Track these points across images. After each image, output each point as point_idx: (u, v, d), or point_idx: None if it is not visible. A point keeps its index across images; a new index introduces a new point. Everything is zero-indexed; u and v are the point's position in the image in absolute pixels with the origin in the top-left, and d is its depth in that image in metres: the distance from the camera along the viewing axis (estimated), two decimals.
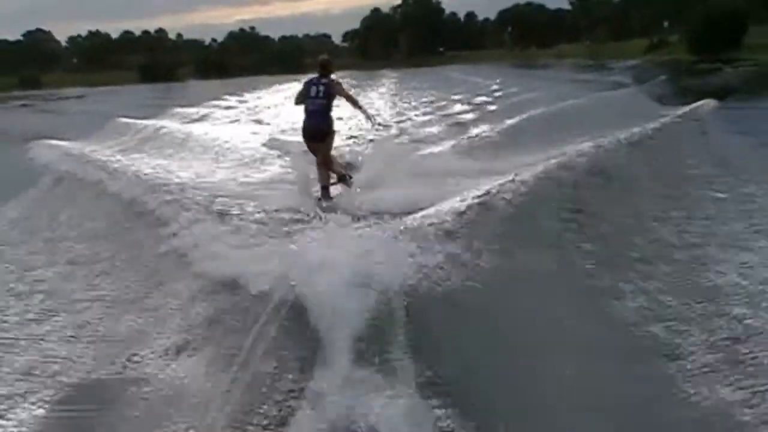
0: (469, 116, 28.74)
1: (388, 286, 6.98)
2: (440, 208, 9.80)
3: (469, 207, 9.40)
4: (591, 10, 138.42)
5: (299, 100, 13.62)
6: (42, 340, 8.69)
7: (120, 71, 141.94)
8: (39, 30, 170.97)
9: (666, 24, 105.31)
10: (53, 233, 13.40)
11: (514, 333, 6.90)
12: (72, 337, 8.67)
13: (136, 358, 7.78)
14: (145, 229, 11.88)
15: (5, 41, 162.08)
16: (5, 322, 9.28)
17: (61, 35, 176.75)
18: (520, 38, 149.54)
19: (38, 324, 9.16)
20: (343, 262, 7.30)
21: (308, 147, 13.76)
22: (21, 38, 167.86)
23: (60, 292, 10.23)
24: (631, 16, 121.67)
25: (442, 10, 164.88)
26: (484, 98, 35.72)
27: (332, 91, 13.38)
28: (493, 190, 10.25)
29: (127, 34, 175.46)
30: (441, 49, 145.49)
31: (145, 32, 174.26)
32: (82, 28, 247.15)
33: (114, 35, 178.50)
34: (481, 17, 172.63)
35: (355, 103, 13.99)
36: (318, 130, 13.50)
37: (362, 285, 6.94)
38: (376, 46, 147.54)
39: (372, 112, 19.27)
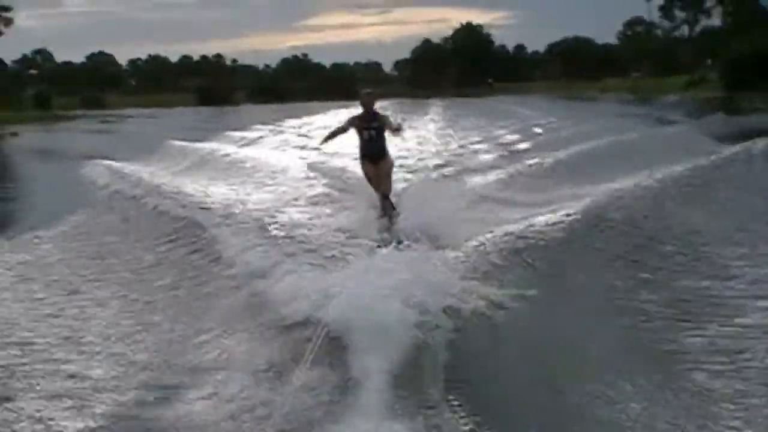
0: (521, 146, 28.21)
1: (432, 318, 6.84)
2: (487, 238, 9.82)
3: (516, 239, 9.53)
4: (638, 46, 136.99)
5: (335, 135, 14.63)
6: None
7: (178, 94, 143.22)
8: (101, 53, 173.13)
9: (709, 61, 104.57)
10: (100, 250, 13.37)
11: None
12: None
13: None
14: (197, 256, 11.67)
15: (70, 63, 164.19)
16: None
17: (123, 58, 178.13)
18: (568, 71, 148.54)
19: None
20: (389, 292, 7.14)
21: (368, 168, 14.52)
22: (85, 60, 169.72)
23: (109, 309, 10.07)
24: (677, 53, 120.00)
25: (492, 42, 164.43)
26: (534, 130, 35.07)
27: (383, 129, 14.25)
28: (545, 223, 10.00)
29: (185, 59, 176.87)
30: (489, 80, 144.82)
31: (204, 57, 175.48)
32: (141, 51, 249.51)
33: (172, 58, 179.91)
34: (530, 50, 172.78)
35: (396, 129, 14.55)
36: (378, 152, 14.38)
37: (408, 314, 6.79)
38: (425, 75, 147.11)
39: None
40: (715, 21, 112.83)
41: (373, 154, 14.27)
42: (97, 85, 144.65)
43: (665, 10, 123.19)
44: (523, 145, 28.34)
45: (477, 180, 19.02)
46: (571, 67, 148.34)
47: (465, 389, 6.43)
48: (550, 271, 8.93)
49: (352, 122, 14.40)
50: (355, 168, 19.46)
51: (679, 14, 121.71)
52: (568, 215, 10.69)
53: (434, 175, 20.76)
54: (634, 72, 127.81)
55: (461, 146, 30.19)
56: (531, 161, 20.30)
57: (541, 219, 10.73)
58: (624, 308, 8.56)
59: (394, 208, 14.07)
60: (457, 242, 10.46)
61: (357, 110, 14.61)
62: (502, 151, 27.09)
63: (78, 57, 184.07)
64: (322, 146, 16.31)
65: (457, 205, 14.08)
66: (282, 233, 12.09)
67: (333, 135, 14.65)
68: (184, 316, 9.50)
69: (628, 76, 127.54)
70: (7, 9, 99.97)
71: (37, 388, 7.43)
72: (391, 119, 14.86)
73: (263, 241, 11.47)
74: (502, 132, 35.31)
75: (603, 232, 10.39)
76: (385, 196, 14.21)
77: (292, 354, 7.30)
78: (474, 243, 10.00)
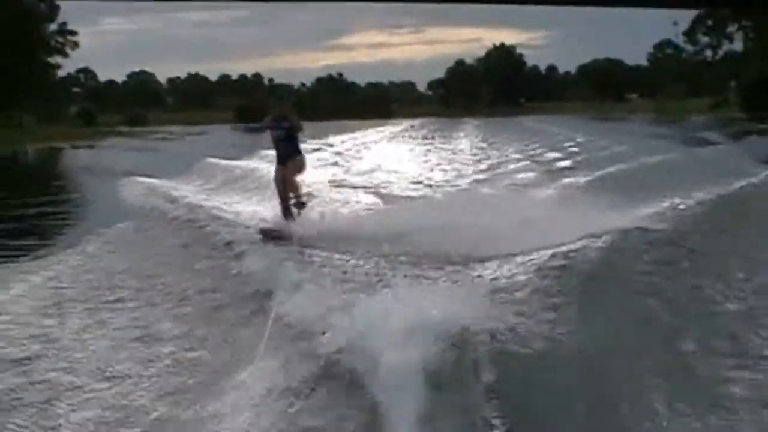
0: (558, 165, 27.72)
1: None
2: (525, 258, 9.65)
3: (550, 261, 9.30)
4: (666, 68, 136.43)
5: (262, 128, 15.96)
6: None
7: (217, 111, 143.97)
8: (143, 71, 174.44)
9: (733, 84, 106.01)
10: (135, 265, 13.64)
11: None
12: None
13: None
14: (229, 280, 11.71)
15: (113, 81, 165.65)
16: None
17: (162, 76, 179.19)
18: (598, 92, 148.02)
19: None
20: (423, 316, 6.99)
21: (279, 170, 15.08)
22: (126, 79, 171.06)
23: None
24: (701, 76, 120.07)
25: (525, 63, 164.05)
26: (569, 150, 34.54)
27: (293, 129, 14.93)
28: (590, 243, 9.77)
29: (224, 77, 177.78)
30: (522, 101, 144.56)
31: (242, 76, 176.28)
32: (179, 70, 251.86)
33: (210, 77, 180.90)
34: (561, 70, 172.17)
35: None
36: (287, 154, 15.00)
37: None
38: (458, 95, 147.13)
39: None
40: (737, 46, 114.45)
41: (282, 155, 14.95)
42: (139, 103, 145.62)
43: (689, 35, 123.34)
44: (562, 164, 27.88)
45: (521, 196, 18.54)
46: (601, 88, 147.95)
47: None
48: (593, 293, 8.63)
49: (266, 124, 15.27)
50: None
51: (703, 39, 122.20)
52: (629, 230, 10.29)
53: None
54: (665, 95, 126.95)
55: (499, 163, 29.76)
56: (574, 179, 19.72)
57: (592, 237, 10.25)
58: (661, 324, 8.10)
59: (299, 203, 14.79)
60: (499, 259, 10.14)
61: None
62: (541, 168, 26.56)
63: (119, 75, 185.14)
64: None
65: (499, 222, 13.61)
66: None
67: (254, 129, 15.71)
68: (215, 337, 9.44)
69: (655, 97, 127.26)
70: (73, 33, 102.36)
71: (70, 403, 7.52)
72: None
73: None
74: (539, 150, 34.87)
75: (659, 249, 9.89)
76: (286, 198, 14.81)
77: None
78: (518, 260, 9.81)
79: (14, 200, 25.88)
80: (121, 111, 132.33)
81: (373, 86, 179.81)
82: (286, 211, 14.69)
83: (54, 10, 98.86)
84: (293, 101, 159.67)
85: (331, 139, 50.83)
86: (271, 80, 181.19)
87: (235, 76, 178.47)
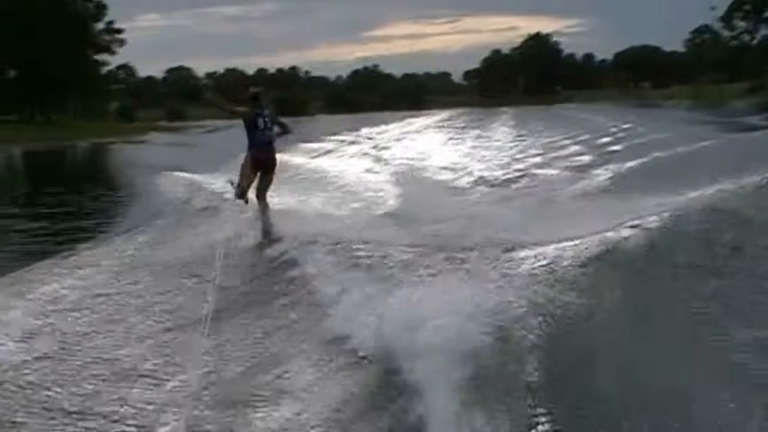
0: (609, 150, 27.27)
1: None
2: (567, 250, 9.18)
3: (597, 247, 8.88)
4: (704, 54, 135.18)
5: (232, 113, 13.99)
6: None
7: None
8: (181, 67, 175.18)
9: None
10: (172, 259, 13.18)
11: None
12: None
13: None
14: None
15: (152, 77, 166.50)
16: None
17: (199, 71, 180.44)
18: (634, 79, 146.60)
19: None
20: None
21: (252, 173, 13.60)
22: (165, 74, 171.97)
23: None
24: (742, 61, 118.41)
25: (561, 51, 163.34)
26: (612, 137, 33.86)
27: (274, 118, 13.61)
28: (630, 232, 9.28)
29: (261, 71, 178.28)
30: (558, 88, 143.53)
31: (279, 70, 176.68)
32: (214, 65, 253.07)
33: (247, 70, 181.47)
34: (598, 58, 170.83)
35: (283, 126, 13.96)
36: (274, 159, 13.64)
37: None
38: (494, 84, 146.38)
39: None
40: None
41: (270, 160, 13.66)
42: (178, 98, 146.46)
43: (726, 20, 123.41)
44: (611, 148, 27.43)
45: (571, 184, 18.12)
46: (637, 75, 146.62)
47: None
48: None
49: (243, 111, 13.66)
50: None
51: (740, 24, 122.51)
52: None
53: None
54: (703, 80, 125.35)
55: (539, 154, 29.30)
56: (620, 166, 19.23)
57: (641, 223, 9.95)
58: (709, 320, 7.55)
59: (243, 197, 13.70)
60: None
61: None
62: (591, 155, 26.03)
63: (156, 71, 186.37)
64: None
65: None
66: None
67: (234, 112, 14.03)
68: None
69: (693, 83, 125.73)
70: (119, 31, 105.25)
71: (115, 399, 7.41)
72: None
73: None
74: (584, 137, 34.34)
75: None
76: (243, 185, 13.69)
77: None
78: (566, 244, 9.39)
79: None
80: (160, 106, 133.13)
81: (409, 77, 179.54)
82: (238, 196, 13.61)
83: (101, 9, 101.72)
84: (328, 94, 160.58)
85: (368, 131, 50.48)
86: (307, 72, 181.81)
87: (272, 70, 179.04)
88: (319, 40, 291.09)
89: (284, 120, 14.17)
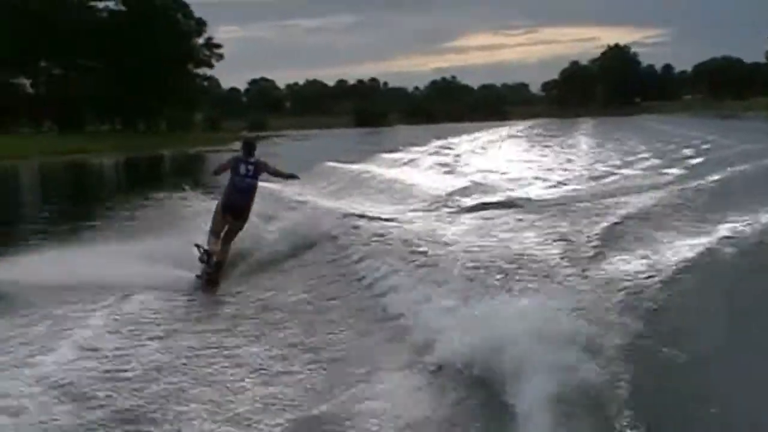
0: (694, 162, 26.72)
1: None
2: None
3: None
4: None
5: (219, 171, 13.54)
6: None
7: (334, 116, 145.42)
8: (263, 78, 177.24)
9: None
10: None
11: None
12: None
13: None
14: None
15: (236, 89, 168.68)
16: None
17: (281, 82, 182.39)
18: (715, 90, 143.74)
19: None
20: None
21: (222, 219, 13.11)
22: (248, 86, 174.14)
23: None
24: None
25: (640, 63, 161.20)
26: (702, 147, 33.16)
27: (260, 170, 13.22)
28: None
29: (341, 82, 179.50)
30: (636, 100, 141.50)
31: (360, 81, 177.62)
32: (294, 76, 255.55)
33: (327, 82, 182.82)
34: (677, 69, 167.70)
35: (282, 174, 14.07)
36: (245, 208, 13.18)
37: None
38: (572, 95, 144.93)
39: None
40: None
41: (240, 206, 13.14)
42: (261, 109, 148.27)
43: None
44: (695, 161, 26.85)
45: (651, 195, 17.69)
46: (717, 87, 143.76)
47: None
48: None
49: (229, 164, 13.44)
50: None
51: None
52: None
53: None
54: None
55: (628, 162, 28.85)
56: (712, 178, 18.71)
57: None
58: None
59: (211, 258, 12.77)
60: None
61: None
62: (676, 168, 25.44)
63: (238, 81, 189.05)
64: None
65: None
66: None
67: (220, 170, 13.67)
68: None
69: None
70: (218, 46, 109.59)
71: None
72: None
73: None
74: (667, 149, 33.69)
75: None
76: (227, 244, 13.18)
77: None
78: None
79: None
80: (242, 117, 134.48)
81: (486, 88, 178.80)
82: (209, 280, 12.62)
83: (201, 25, 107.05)
84: (407, 105, 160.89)
85: (455, 140, 50.39)
86: (385, 84, 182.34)
87: (351, 81, 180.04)
88: (395, 52, 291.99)
89: (286, 171, 14.12)
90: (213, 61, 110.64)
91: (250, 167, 13.04)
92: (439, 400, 6.89)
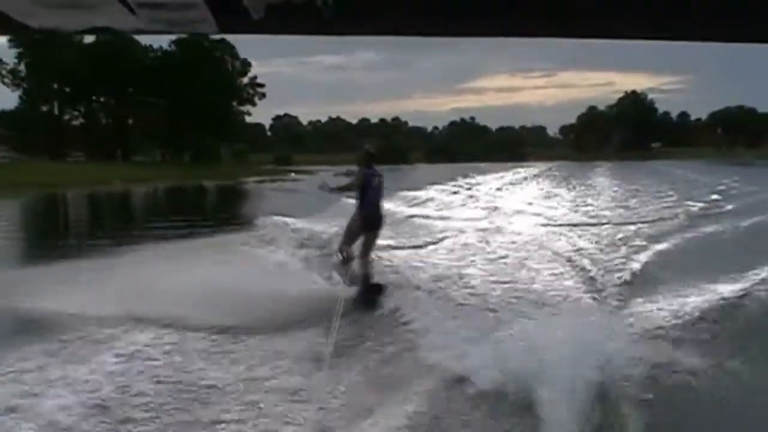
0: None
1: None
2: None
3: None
4: None
5: (347, 189, 13.27)
6: None
7: (357, 153, 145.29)
8: (287, 115, 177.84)
9: None
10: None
11: None
12: None
13: None
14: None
15: (260, 124, 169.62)
16: None
17: (303, 118, 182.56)
18: (729, 138, 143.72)
19: None
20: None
21: (361, 233, 12.86)
22: (273, 121, 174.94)
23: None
24: None
25: (656, 110, 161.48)
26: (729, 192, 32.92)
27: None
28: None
29: (363, 121, 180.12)
30: (653, 145, 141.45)
31: (382, 120, 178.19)
32: (313, 112, 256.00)
33: (348, 119, 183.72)
34: (693, 117, 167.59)
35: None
36: (382, 218, 13.09)
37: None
38: (589, 139, 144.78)
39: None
40: None
41: (380, 220, 12.98)
42: (285, 144, 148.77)
43: None
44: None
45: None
46: (731, 134, 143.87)
47: None
48: None
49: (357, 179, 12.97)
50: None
51: None
52: None
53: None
54: None
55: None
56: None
57: None
58: None
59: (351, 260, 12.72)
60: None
61: None
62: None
63: (260, 117, 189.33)
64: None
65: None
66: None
67: (343, 189, 13.57)
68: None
69: None
70: (261, 86, 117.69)
71: None
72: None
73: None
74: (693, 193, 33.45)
75: None
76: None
77: None
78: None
79: None
80: (267, 150, 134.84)
81: (504, 130, 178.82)
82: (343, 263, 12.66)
83: (245, 65, 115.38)
84: (427, 144, 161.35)
85: (482, 178, 50.39)
86: (405, 123, 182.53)
87: (374, 119, 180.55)
88: (414, 91, 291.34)
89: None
90: (256, 99, 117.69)
91: (381, 179, 12.93)
92: None
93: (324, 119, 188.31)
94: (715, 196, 31.42)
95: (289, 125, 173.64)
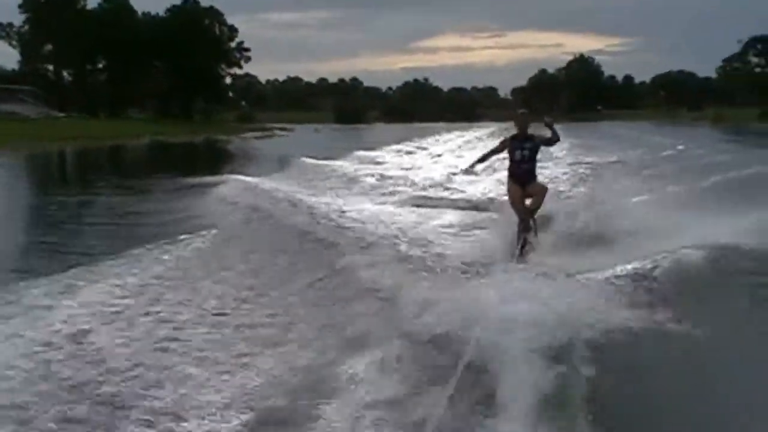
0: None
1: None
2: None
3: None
4: (731, 81, 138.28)
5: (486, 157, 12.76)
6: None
7: (317, 112, 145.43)
8: (247, 74, 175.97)
9: None
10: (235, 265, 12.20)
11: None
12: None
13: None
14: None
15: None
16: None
17: (261, 77, 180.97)
18: (670, 101, 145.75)
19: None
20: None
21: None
22: (232, 81, 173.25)
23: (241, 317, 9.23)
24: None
25: (602, 73, 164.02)
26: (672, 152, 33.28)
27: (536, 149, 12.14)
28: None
29: (322, 81, 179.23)
30: (599, 108, 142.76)
31: (341, 80, 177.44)
32: (271, 70, 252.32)
33: (306, 78, 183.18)
34: (637, 80, 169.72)
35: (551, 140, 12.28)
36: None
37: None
38: (539, 101, 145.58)
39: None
40: None
41: (521, 175, 12.08)
42: (247, 103, 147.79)
43: (742, 55, 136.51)
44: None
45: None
46: (673, 98, 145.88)
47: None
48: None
49: (505, 143, 12.49)
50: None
51: (753, 59, 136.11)
52: None
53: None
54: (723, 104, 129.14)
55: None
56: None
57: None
58: None
59: (531, 230, 11.93)
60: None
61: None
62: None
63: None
64: (474, 169, 14.00)
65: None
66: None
67: (485, 158, 12.80)
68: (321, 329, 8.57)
69: (717, 107, 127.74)
70: (247, 50, 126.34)
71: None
72: (547, 134, 12.39)
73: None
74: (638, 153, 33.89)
75: None
76: (527, 219, 12.03)
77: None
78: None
79: None
80: (230, 109, 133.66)
81: (457, 91, 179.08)
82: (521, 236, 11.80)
83: (233, 31, 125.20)
84: (383, 104, 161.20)
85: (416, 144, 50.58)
86: (360, 82, 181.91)
87: (331, 79, 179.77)
88: (366, 49, 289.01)
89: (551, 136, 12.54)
90: (242, 62, 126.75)
91: (526, 152, 12.03)
92: None
93: (282, 78, 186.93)
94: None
95: (251, 84, 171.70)
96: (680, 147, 34.21)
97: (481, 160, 12.88)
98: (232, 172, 26.78)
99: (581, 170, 25.27)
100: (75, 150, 54.68)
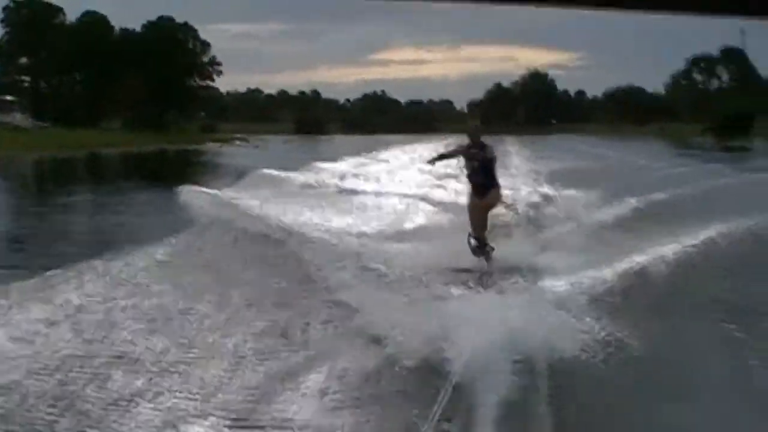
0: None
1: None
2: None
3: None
4: (680, 96, 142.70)
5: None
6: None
7: (277, 124, 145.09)
8: (209, 86, 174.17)
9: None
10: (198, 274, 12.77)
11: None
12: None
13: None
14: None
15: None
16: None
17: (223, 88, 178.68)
18: (620, 116, 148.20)
19: None
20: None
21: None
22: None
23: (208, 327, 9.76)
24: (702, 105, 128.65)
25: (555, 88, 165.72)
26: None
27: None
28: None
29: (282, 93, 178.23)
30: (553, 121, 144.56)
31: (301, 92, 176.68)
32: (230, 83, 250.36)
33: (265, 90, 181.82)
34: (589, 94, 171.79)
35: None
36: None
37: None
38: (495, 114, 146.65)
39: None
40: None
41: (476, 187, 12.89)
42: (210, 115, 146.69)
43: (686, 72, 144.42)
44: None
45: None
46: (623, 113, 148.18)
47: None
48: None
49: (461, 149, 13.38)
50: None
51: (696, 77, 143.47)
52: None
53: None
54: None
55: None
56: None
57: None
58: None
59: (486, 245, 12.68)
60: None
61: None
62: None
63: None
64: (430, 165, 15.17)
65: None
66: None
67: (441, 157, 14.11)
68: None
69: (662, 123, 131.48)
70: (219, 64, 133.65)
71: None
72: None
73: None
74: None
75: None
76: (481, 237, 12.74)
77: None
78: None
79: None
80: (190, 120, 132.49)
81: (414, 104, 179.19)
82: (477, 249, 12.62)
83: (205, 46, 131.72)
84: (342, 117, 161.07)
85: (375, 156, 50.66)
86: (319, 95, 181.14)
87: (291, 91, 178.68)
88: (322, 62, 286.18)
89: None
90: (214, 76, 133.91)
91: (476, 163, 13.14)
92: None
93: (242, 89, 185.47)
94: None
95: (213, 96, 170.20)
96: None
97: (440, 158, 13.65)
98: None
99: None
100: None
